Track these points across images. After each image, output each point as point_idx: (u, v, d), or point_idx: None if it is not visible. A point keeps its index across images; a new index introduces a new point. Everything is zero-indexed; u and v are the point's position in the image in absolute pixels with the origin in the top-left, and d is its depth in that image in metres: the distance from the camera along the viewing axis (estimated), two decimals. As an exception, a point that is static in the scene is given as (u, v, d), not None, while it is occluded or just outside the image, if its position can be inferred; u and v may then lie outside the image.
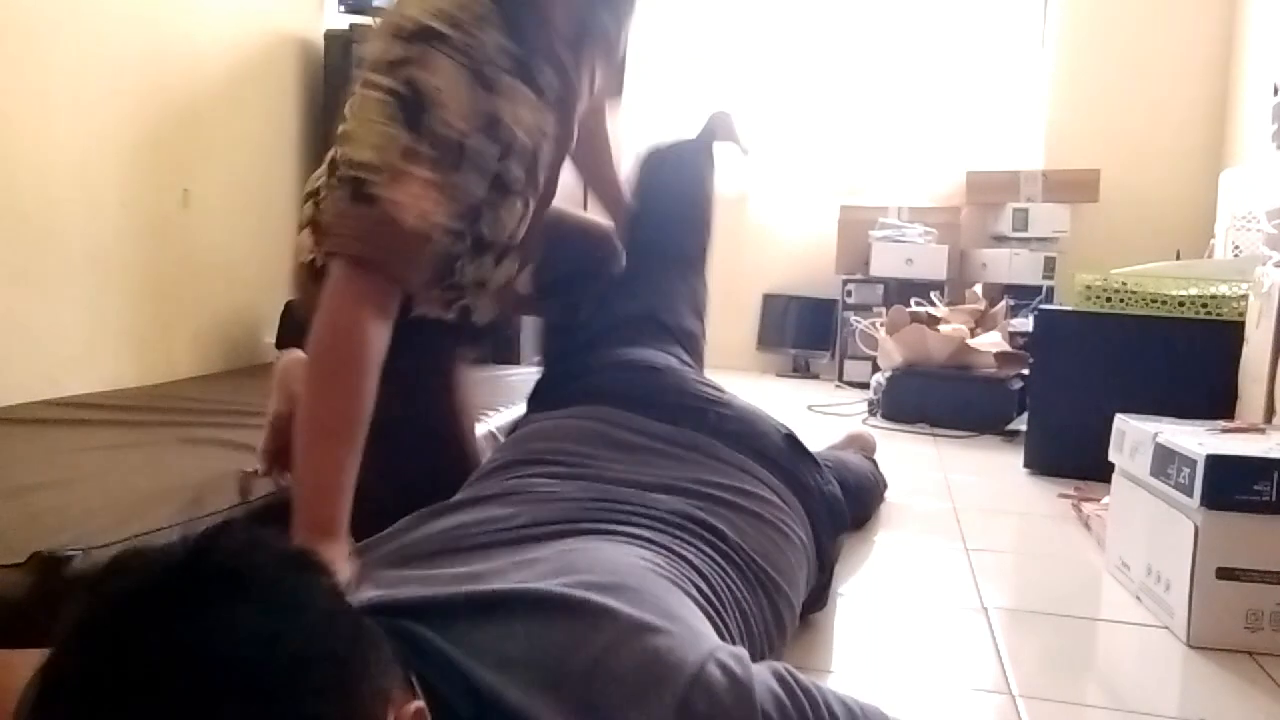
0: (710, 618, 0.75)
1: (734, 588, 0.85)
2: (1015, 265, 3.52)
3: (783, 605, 0.95)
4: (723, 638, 0.73)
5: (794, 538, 1.04)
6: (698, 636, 0.65)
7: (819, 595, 1.23)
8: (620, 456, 1.00)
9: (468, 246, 1.13)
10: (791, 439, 1.19)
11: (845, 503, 1.42)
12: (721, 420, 1.13)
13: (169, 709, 0.42)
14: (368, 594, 0.66)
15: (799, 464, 1.15)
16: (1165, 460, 1.30)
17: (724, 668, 0.61)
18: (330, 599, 0.50)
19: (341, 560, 0.84)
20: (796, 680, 0.65)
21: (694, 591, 0.77)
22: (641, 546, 0.79)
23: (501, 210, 1.12)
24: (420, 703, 0.53)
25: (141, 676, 0.43)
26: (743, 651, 0.65)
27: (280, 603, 0.47)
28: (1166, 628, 1.28)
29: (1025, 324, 2.89)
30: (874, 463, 1.92)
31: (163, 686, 0.42)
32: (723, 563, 0.86)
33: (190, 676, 0.43)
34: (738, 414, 1.16)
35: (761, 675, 0.63)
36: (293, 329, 1.57)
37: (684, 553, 0.82)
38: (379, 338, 0.94)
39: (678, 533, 0.85)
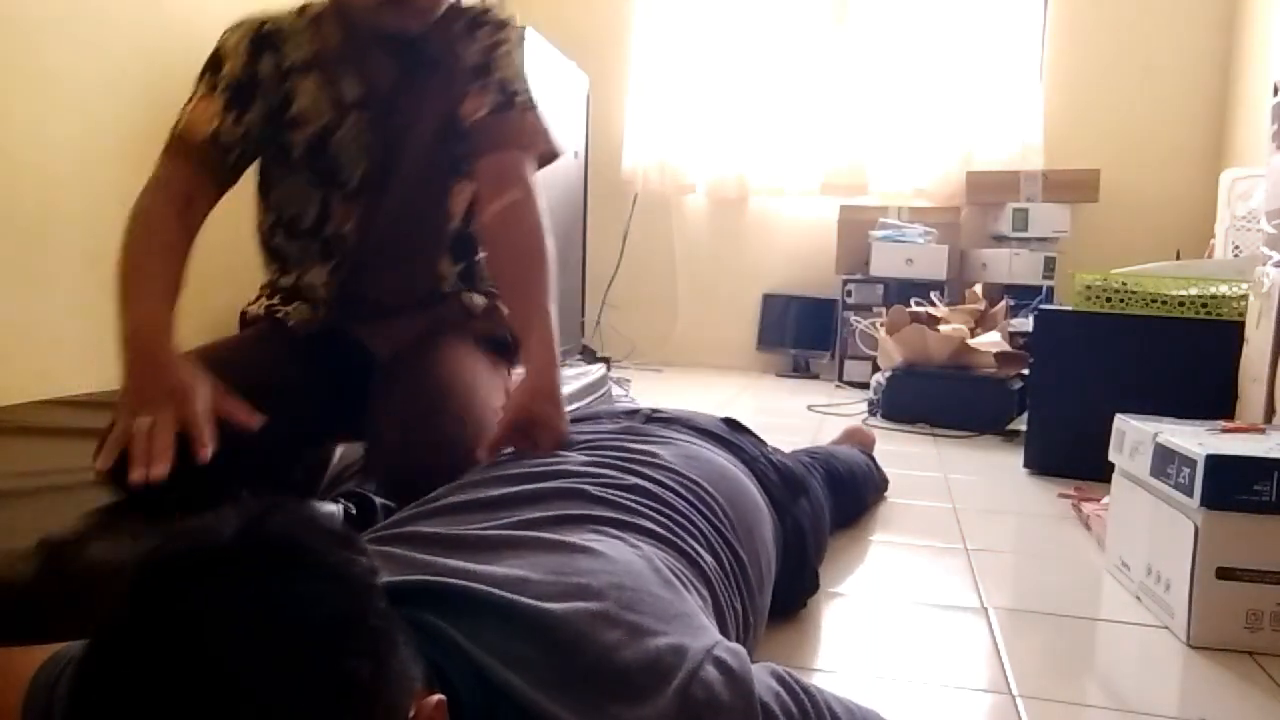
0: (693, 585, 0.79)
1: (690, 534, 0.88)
2: (1015, 265, 3.52)
3: (740, 530, 0.98)
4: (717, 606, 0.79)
5: (735, 472, 1.09)
6: (696, 633, 0.66)
7: (800, 572, 1.24)
8: (573, 452, 1.04)
9: (272, 220, 1.35)
10: (729, 420, 1.25)
11: (833, 490, 1.50)
12: (655, 412, 1.21)
13: (216, 665, 0.45)
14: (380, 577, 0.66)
15: (738, 436, 1.21)
16: (1165, 460, 1.30)
17: (721, 663, 0.62)
18: (369, 576, 0.53)
19: (189, 368, 1.05)
20: (794, 679, 0.65)
21: (678, 569, 0.79)
22: (624, 532, 0.80)
23: (288, 182, 1.30)
24: (441, 696, 0.54)
25: (194, 634, 0.45)
26: (740, 648, 0.66)
27: (326, 574, 0.50)
28: (1166, 628, 1.28)
29: (1025, 324, 2.89)
30: (871, 458, 1.92)
31: (212, 645, 0.45)
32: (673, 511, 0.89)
33: (240, 633, 0.45)
34: (670, 410, 1.24)
35: (758, 672, 0.64)
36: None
37: (657, 527, 0.84)
38: (182, 213, 1.20)
39: (633, 496, 0.88)
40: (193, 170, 1.23)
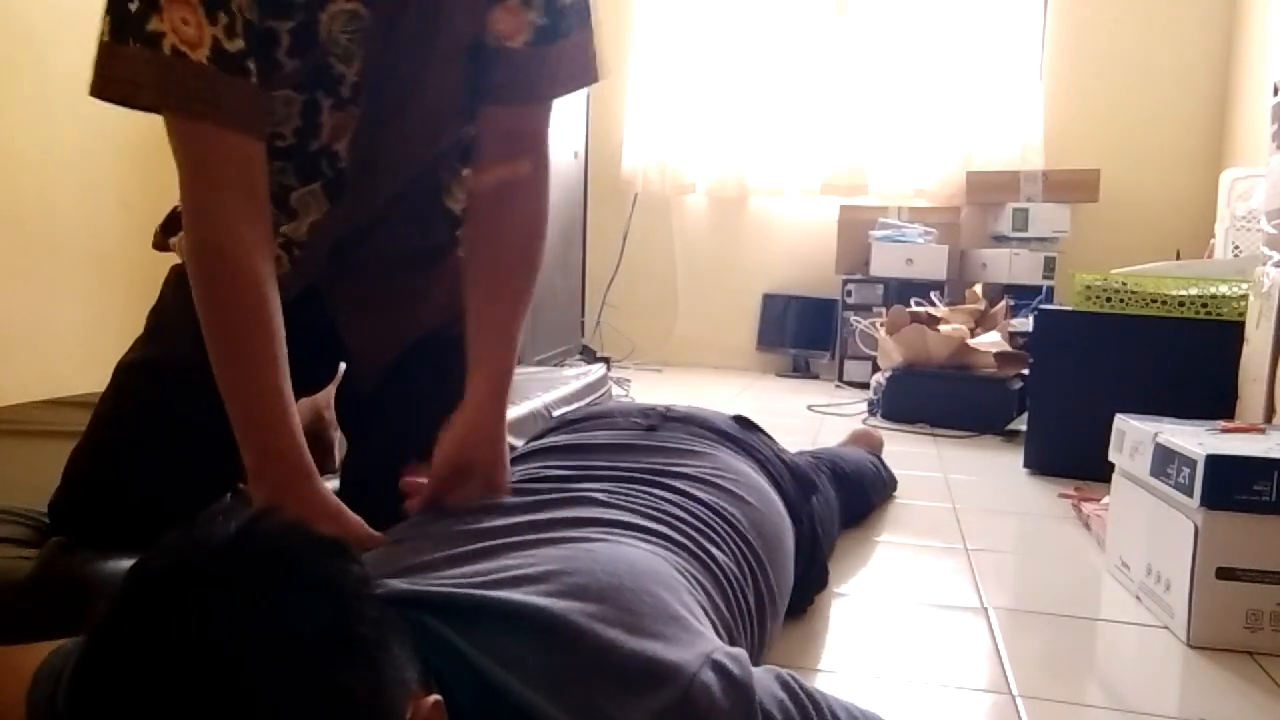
0: (703, 589, 0.78)
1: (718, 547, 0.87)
2: (1015, 265, 3.52)
3: (768, 533, 0.98)
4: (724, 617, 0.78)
5: (761, 483, 1.09)
6: (696, 638, 0.66)
7: (810, 569, 1.24)
8: (591, 454, 1.03)
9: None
10: (740, 417, 1.24)
11: (840, 489, 1.51)
12: (669, 411, 1.20)
13: (205, 677, 0.45)
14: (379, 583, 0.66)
15: (750, 435, 1.21)
16: (1165, 460, 1.30)
17: (721, 668, 0.62)
18: (360, 585, 0.53)
19: (325, 503, 0.84)
20: (799, 684, 0.65)
21: (689, 575, 0.78)
22: (632, 534, 0.80)
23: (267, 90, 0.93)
24: (438, 696, 0.54)
25: (184, 646, 0.45)
26: (742, 653, 0.65)
27: (316, 584, 0.50)
28: (1166, 628, 1.28)
29: (1025, 324, 2.89)
30: (879, 459, 1.92)
31: (201, 656, 0.45)
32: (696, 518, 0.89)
33: (229, 646, 0.45)
34: (682, 408, 1.23)
35: (762, 677, 0.64)
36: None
37: (670, 533, 0.83)
38: (247, 209, 0.86)
39: (644, 490, 0.88)
40: (224, 122, 0.86)
